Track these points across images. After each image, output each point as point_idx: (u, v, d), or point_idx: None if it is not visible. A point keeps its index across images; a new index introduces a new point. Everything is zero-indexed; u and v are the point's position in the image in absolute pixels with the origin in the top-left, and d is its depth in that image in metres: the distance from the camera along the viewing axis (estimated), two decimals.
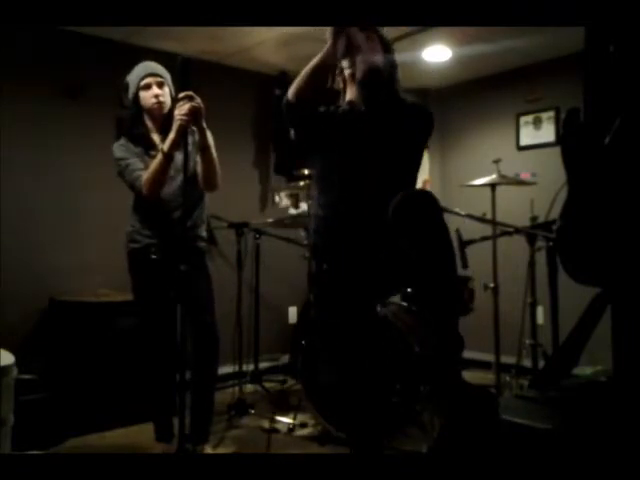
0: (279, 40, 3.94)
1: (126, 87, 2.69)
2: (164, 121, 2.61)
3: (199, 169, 2.62)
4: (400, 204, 1.88)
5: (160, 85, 2.64)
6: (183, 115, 2.35)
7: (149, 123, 2.69)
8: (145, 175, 2.55)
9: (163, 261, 2.64)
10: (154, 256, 2.64)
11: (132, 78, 2.67)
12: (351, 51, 2.04)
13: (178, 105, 2.37)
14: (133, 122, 2.70)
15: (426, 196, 1.93)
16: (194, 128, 2.50)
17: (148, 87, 2.63)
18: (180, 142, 2.38)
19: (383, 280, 2.10)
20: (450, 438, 1.99)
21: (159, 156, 2.50)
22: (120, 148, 2.66)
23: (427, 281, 1.95)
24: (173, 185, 2.60)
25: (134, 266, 2.72)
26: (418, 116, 2.16)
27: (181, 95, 2.35)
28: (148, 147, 2.65)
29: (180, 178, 2.61)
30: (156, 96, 2.62)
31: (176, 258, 2.23)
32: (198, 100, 2.38)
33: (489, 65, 4.58)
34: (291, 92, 2.09)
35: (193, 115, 2.37)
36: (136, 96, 2.66)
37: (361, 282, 2.09)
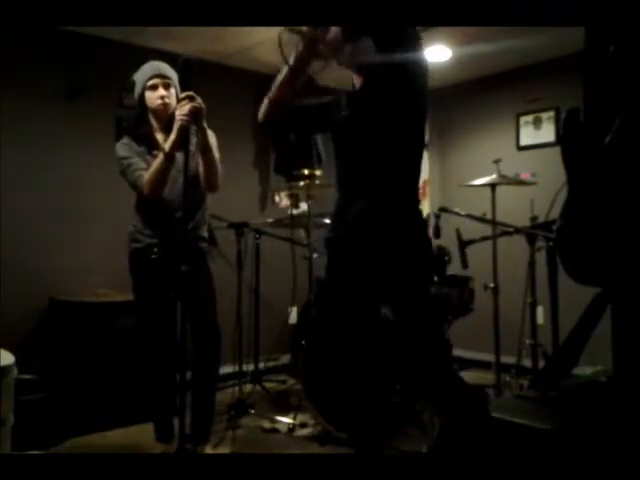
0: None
1: (132, 86, 2.69)
2: (168, 121, 2.61)
3: (200, 170, 2.62)
4: (359, 217, 1.94)
5: (166, 86, 2.64)
6: (184, 115, 2.36)
7: (154, 123, 2.69)
8: (146, 175, 2.55)
9: (164, 261, 2.64)
10: (154, 256, 2.64)
11: (139, 77, 2.67)
12: (315, 50, 2.00)
13: (179, 105, 2.37)
14: (137, 121, 2.70)
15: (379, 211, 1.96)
16: (196, 128, 2.50)
17: (154, 88, 2.63)
18: (181, 142, 2.38)
19: (381, 281, 2.09)
20: (449, 438, 1.99)
21: (160, 156, 2.51)
22: (123, 147, 2.66)
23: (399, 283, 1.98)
24: (175, 185, 2.60)
25: (135, 266, 2.71)
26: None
27: (182, 95, 2.35)
28: (151, 146, 2.65)
29: (181, 179, 2.60)
30: (162, 97, 2.62)
31: (177, 258, 2.23)
32: (199, 100, 2.38)
33: (489, 65, 4.58)
34: (260, 114, 2.16)
35: (194, 115, 2.37)
36: (142, 96, 2.66)
37: (361, 283, 2.08)
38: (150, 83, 2.63)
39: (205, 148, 2.55)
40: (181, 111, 2.36)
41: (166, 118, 2.64)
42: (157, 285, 2.66)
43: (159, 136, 2.68)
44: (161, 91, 2.62)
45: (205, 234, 2.79)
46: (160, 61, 2.70)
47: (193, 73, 2.21)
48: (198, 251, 2.72)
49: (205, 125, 2.51)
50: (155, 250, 2.65)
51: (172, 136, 2.47)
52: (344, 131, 2.09)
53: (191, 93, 2.33)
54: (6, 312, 3.36)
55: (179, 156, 2.49)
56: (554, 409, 1.82)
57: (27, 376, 2.86)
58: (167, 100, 2.63)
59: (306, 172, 3.69)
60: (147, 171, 2.56)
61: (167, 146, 2.48)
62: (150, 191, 2.55)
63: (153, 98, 2.63)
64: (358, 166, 2.02)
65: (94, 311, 3.37)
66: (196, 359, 2.68)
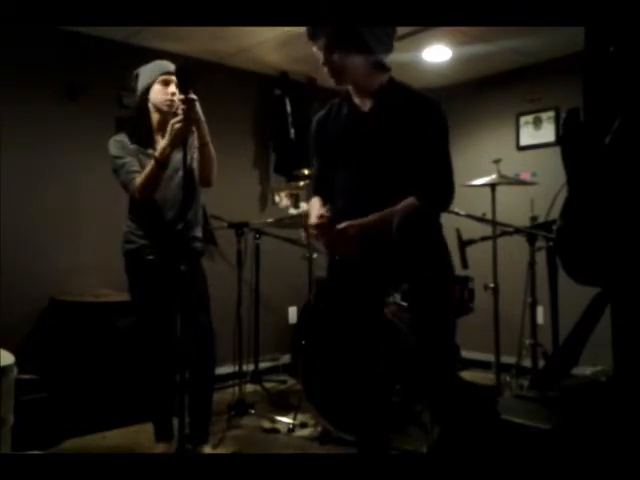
0: (279, 40, 3.93)
1: (135, 77, 2.66)
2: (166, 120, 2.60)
3: (195, 165, 2.61)
4: (402, 224, 1.98)
5: (175, 86, 2.59)
6: (178, 121, 2.35)
7: (154, 118, 2.66)
8: (138, 179, 2.53)
9: (159, 262, 2.63)
10: (150, 257, 2.64)
11: (147, 70, 2.64)
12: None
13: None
14: (139, 114, 2.66)
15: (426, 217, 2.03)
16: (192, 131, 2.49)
17: (167, 84, 2.60)
18: (175, 146, 2.38)
19: (382, 279, 2.10)
20: (450, 437, 1.99)
21: (152, 163, 2.49)
22: (115, 145, 2.64)
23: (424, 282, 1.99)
24: (169, 185, 2.59)
25: (130, 267, 2.71)
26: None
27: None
28: (146, 144, 2.64)
29: (177, 178, 2.60)
30: (172, 94, 2.59)
31: (172, 259, 2.22)
32: (194, 97, 2.34)
33: (489, 65, 4.57)
34: None
35: (190, 120, 2.35)
36: (148, 88, 2.62)
37: (362, 281, 2.09)
38: (163, 78, 2.60)
39: (203, 142, 2.54)
40: (175, 116, 2.36)
41: (167, 115, 2.62)
42: (153, 286, 2.65)
43: (157, 136, 2.66)
44: (172, 88, 2.60)
45: (199, 234, 2.78)
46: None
47: (189, 77, 2.20)
48: (192, 251, 2.71)
49: (203, 119, 2.48)
50: (149, 251, 2.64)
51: (163, 142, 2.45)
52: (370, 151, 2.08)
53: (189, 96, 2.31)
54: (6, 312, 3.36)
55: (174, 154, 2.48)
56: (554, 409, 1.82)
57: (27, 376, 2.86)
58: (174, 98, 2.58)
59: (306, 172, 3.68)
60: (140, 174, 2.54)
61: (157, 153, 2.47)
62: (141, 195, 2.54)
63: (162, 93, 2.60)
64: (392, 182, 2.05)
65: (94, 311, 3.37)
66: (192, 360, 2.67)
